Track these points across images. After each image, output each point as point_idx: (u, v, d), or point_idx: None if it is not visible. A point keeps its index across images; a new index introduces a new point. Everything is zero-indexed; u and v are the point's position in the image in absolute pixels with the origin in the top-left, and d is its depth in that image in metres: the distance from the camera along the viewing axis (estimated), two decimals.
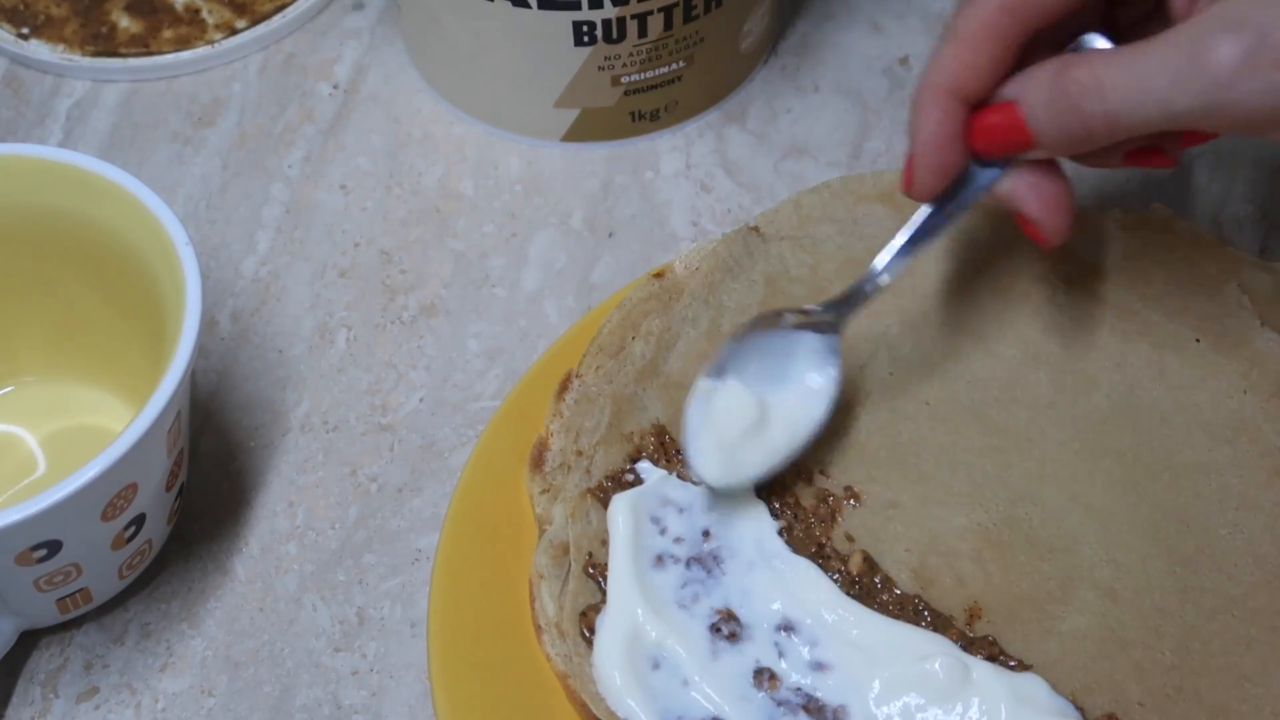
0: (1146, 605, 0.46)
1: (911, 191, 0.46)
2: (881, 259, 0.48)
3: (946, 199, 0.46)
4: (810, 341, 0.48)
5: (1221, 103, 0.40)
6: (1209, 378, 0.50)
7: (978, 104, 0.45)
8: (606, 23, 0.57)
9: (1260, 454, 0.49)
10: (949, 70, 0.44)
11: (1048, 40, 0.45)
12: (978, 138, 0.45)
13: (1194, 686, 0.45)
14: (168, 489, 0.48)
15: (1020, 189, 0.46)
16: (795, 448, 0.48)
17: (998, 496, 0.48)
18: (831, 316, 0.48)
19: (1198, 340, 0.51)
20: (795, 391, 0.48)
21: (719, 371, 0.48)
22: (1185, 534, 0.47)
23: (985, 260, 0.53)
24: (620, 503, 0.47)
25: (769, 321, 0.48)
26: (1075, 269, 0.53)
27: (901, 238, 0.47)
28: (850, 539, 0.48)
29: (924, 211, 0.47)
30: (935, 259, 0.53)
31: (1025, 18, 0.44)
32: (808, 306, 0.48)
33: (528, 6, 0.57)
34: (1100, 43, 0.45)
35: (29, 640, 0.50)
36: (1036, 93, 0.43)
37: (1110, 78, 0.41)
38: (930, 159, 0.45)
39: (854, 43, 0.66)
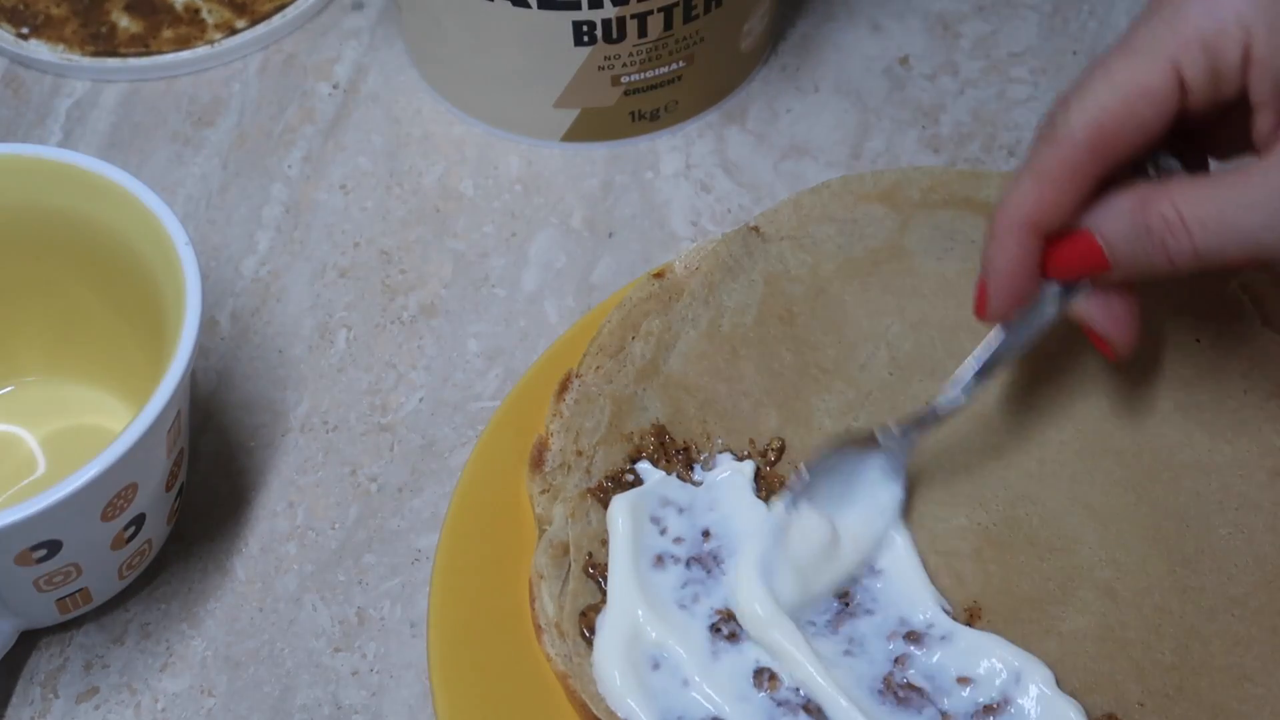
0: (1146, 605, 0.46)
1: (985, 317, 0.46)
2: (956, 384, 0.47)
3: (1018, 320, 0.46)
4: (878, 461, 0.48)
5: None
6: (1209, 378, 0.50)
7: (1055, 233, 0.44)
8: (606, 23, 0.57)
9: (1260, 454, 0.49)
10: (1029, 206, 0.44)
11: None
12: (1054, 266, 0.45)
13: (1194, 686, 0.45)
14: (168, 489, 0.48)
15: (1092, 309, 0.46)
16: (862, 564, 0.47)
17: (998, 496, 0.48)
18: (899, 440, 0.48)
19: (1198, 340, 0.51)
20: (863, 510, 0.48)
21: (794, 501, 0.47)
22: (1185, 534, 0.47)
23: None
24: (620, 503, 0.47)
25: (846, 448, 0.47)
26: None
27: (974, 364, 0.47)
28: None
29: (998, 334, 0.47)
30: (935, 258, 0.53)
31: (1112, 157, 0.43)
32: (879, 430, 0.48)
33: (528, 6, 0.57)
34: (1169, 163, 0.45)
35: (29, 640, 0.50)
36: (1117, 226, 0.43)
37: (1194, 214, 0.41)
38: (1005, 289, 0.45)
39: (854, 43, 0.66)
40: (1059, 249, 0.44)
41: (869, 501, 0.48)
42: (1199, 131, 0.45)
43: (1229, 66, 0.41)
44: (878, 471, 0.48)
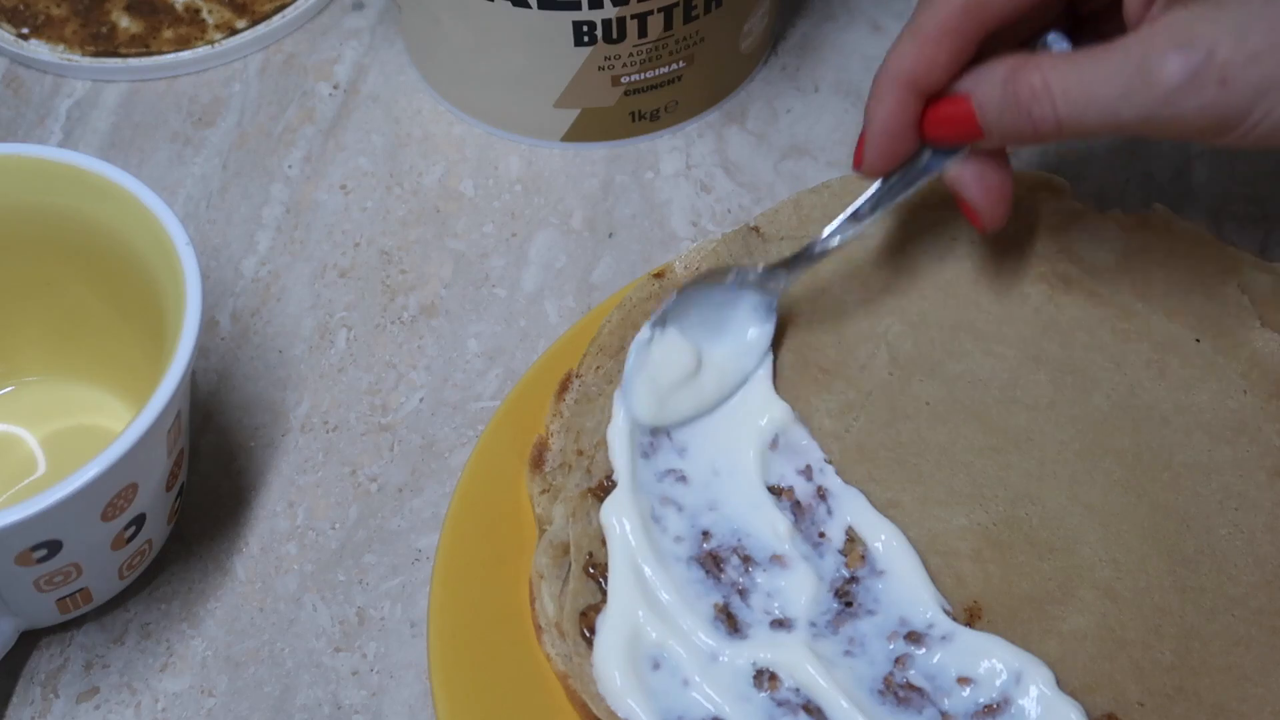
0: (1146, 605, 0.46)
1: (861, 170, 0.48)
2: (830, 226, 0.50)
3: (894, 177, 0.48)
4: (751, 299, 0.50)
5: (1165, 116, 0.42)
6: (1209, 378, 0.50)
7: (933, 95, 0.46)
8: (606, 23, 0.57)
9: (1260, 454, 0.49)
10: (907, 63, 0.46)
11: (1009, 35, 0.47)
12: (930, 126, 0.47)
13: (1194, 686, 0.45)
14: (168, 489, 0.48)
15: (965, 176, 0.48)
16: (724, 397, 0.50)
17: (998, 496, 0.48)
18: (774, 278, 0.50)
19: (1197, 340, 0.51)
20: (731, 345, 0.50)
21: (661, 320, 0.50)
22: (1185, 534, 0.47)
23: (986, 261, 0.53)
24: (611, 508, 0.47)
25: (715, 277, 0.50)
26: (1075, 269, 0.53)
27: (849, 209, 0.49)
28: (850, 538, 0.48)
29: (874, 186, 0.49)
30: (935, 258, 0.53)
31: (983, 19, 0.45)
32: (753, 267, 0.50)
33: (528, 6, 0.57)
34: (1060, 44, 0.46)
35: (29, 640, 0.50)
36: (989, 91, 0.45)
37: (1059, 84, 0.43)
38: (882, 144, 0.47)
39: (854, 43, 0.66)
40: (935, 112, 0.46)
41: (737, 337, 0.50)
42: (1091, 20, 0.47)
43: None
44: (752, 311, 0.50)
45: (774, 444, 0.49)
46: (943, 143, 0.47)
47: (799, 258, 0.50)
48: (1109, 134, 0.43)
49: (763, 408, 0.50)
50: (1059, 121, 0.44)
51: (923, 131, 0.47)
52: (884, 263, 0.53)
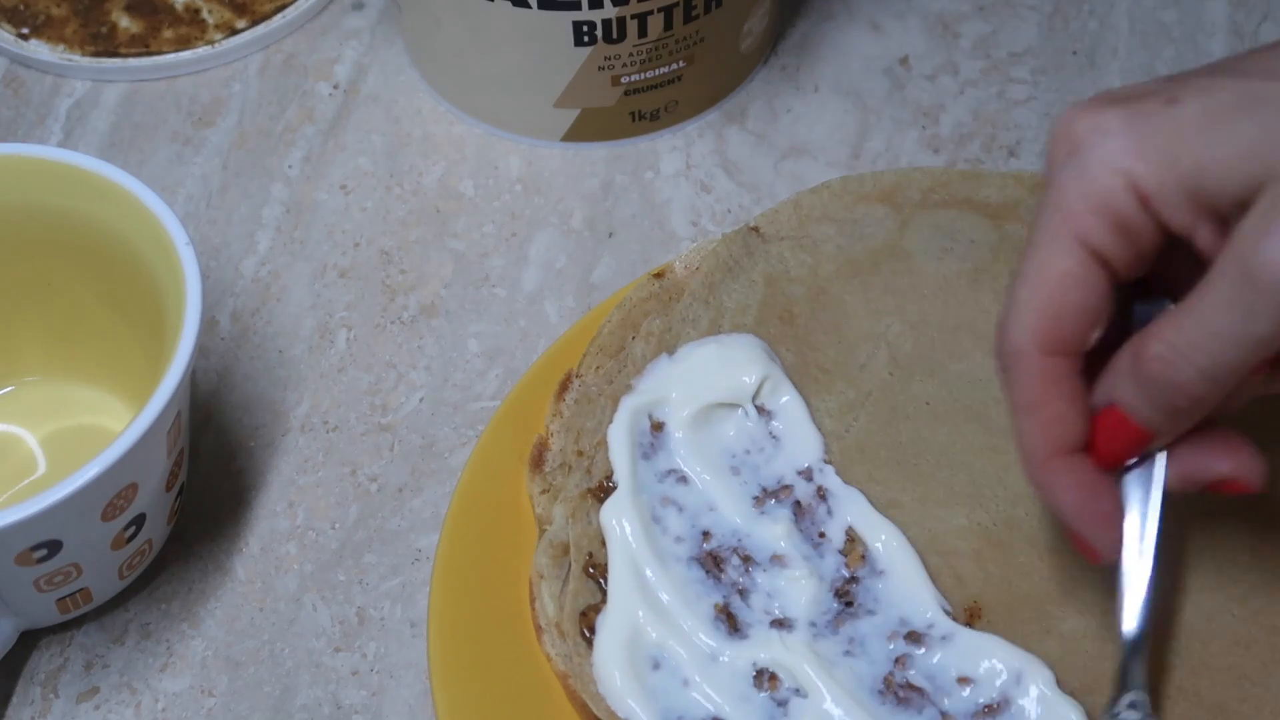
0: None
1: (1107, 559, 0.42)
2: (1129, 618, 0.44)
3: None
4: None
5: None
6: None
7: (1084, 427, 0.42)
8: (606, 23, 0.57)
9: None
10: (1048, 444, 0.41)
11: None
12: (1104, 457, 0.42)
13: (1194, 686, 0.45)
14: (168, 489, 0.48)
15: (1194, 468, 0.42)
16: None
17: (997, 496, 0.48)
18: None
19: None
20: None
21: None
22: (1183, 534, 0.47)
23: (985, 261, 0.53)
24: (611, 509, 0.47)
25: None
26: None
27: (1136, 595, 0.43)
28: (850, 538, 0.48)
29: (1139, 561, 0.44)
30: (935, 258, 0.53)
31: (1071, 352, 0.41)
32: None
33: (528, 6, 0.57)
34: (1166, 304, 0.42)
35: (29, 640, 0.50)
36: (1126, 389, 0.40)
37: (1181, 339, 0.39)
38: (1099, 523, 0.42)
39: (854, 43, 0.66)
40: (1097, 444, 0.42)
41: None
42: (1169, 273, 0.42)
43: (1132, 214, 0.39)
44: None
45: None
46: (1123, 461, 0.42)
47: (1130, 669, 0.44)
48: (1262, 356, 0.38)
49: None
50: (1202, 374, 0.39)
51: (1100, 464, 0.42)
52: (884, 263, 0.53)
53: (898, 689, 0.44)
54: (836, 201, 0.55)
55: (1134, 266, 0.41)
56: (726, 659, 0.45)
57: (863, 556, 0.47)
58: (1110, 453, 0.42)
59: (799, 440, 0.49)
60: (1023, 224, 0.54)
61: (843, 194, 0.55)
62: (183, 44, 0.65)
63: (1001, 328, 0.41)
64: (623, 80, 0.60)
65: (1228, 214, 0.38)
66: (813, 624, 0.46)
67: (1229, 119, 0.38)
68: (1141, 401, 0.40)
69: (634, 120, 0.62)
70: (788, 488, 0.48)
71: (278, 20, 0.66)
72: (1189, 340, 0.39)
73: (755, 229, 0.54)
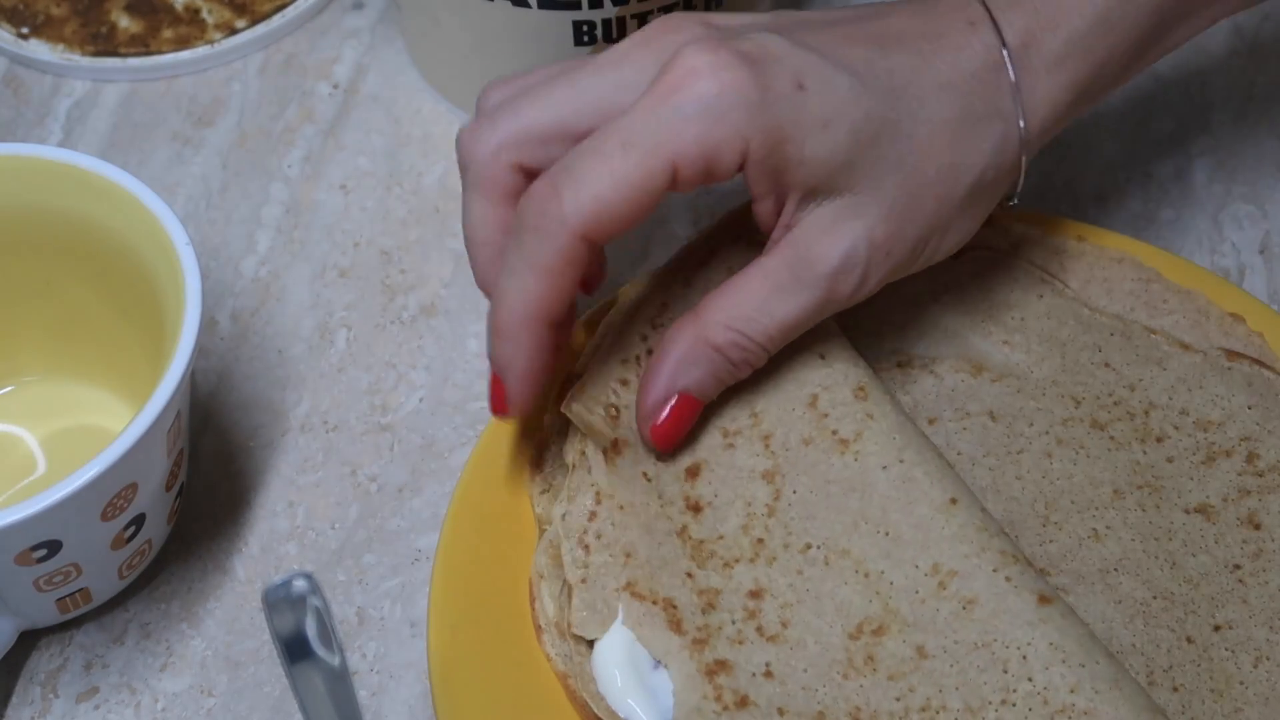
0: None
1: (510, 414, 0.47)
2: None
3: None
4: None
5: (840, 300, 0.46)
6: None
7: (559, 324, 0.45)
8: (606, 23, 0.57)
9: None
10: (536, 303, 0.44)
11: None
12: (664, 440, 0.47)
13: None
14: (168, 489, 0.48)
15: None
16: None
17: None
18: None
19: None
20: None
21: None
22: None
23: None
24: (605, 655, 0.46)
25: None
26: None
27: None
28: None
29: None
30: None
31: (603, 243, 0.44)
32: None
33: (528, 6, 0.57)
34: None
35: (29, 640, 0.50)
36: (695, 373, 0.46)
37: (749, 325, 0.45)
38: (527, 383, 0.46)
39: None
40: (663, 425, 0.46)
41: None
42: None
43: (724, 167, 0.43)
44: None
45: None
46: (679, 440, 0.47)
47: None
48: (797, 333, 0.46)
49: None
50: (766, 352, 0.46)
51: (657, 445, 0.47)
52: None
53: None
54: None
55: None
56: None
57: None
58: (674, 432, 0.47)
59: None
60: None
61: None
62: (182, 44, 0.65)
63: (555, 189, 0.43)
64: None
65: (790, 200, 0.45)
66: None
67: (843, 133, 0.44)
68: (710, 380, 0.46)
69: None
70: None
71: (277, 20, 0.66)
72: (758, 325, 0.45)
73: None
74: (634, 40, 0.46)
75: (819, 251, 0.45)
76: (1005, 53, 0.46)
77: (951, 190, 0.46)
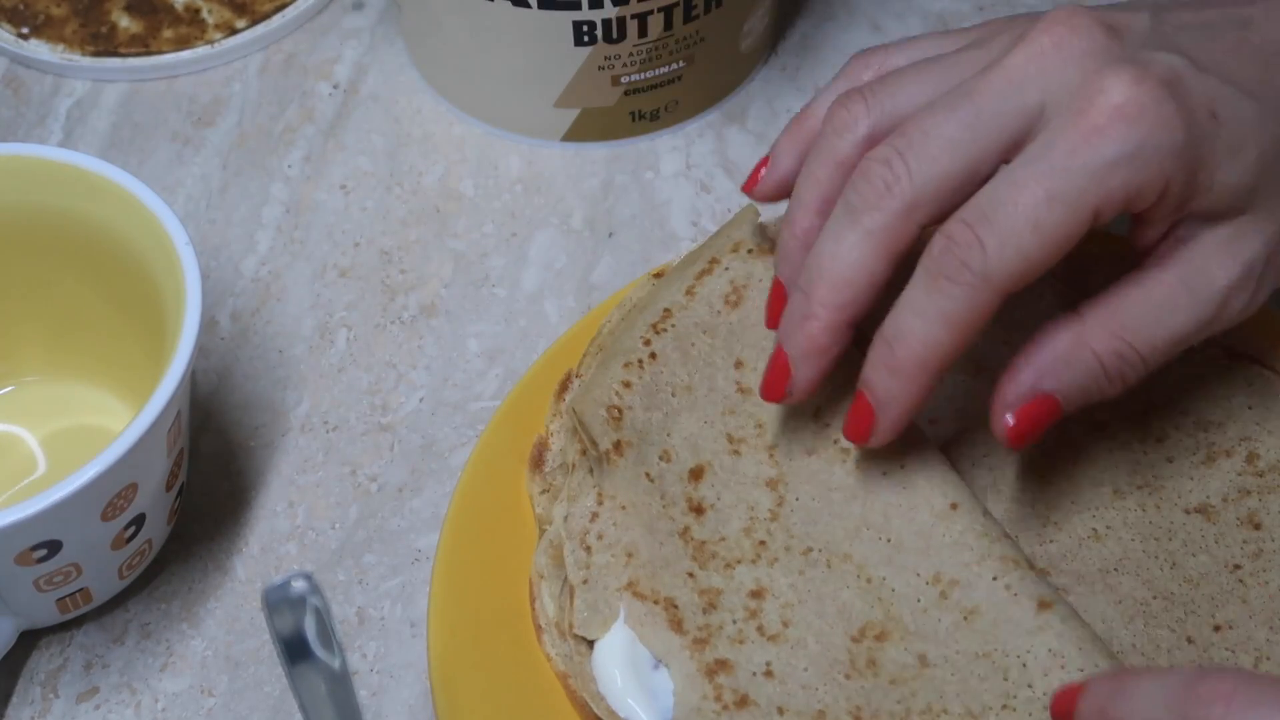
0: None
1: (872, 441, 0.44)
2: None
3: None
4: None
5: (1222, 318, 0.43)
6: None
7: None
8: (606, 23, 0.57)
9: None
10: (946, 352, 0.42)
11: None
12: (1018, 437, 0.43)
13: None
14: (168, 489, 0.48)
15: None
16: None
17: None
18: None
19: None
20: None
21: None
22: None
23: None
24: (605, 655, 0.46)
25: None
26: None
27: None
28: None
29: None
30: None
31: (1017, 290, 0.42)
32: None
33: (528, 6, 0.57)
34: None
35: (29, 640, 0.50)
36: (1067, 374, 0.43)
37: (1134, 335, 0.42)
38: (898, 422, 0.44)
39: (854, 43, 0.66)
40: (1018, 424, 0.43)
41: None
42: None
43: (1140, 206, 0.42)
44: None
45: None
46: (1031, 442, 0.44)
47: None
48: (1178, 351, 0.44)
49: None
50: (1145, 368, 0.43)
51: (1011, 442, 0.43)
52: None
53: None
54: None
55: None
56: None
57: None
58: (1028, 433, 0.43)
59: None
60: None
61: None
62: (183, 44, 0.65)
63: (978, 242, 0.41)
64: (623, 80, 0.60)
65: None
66: None
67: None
68: (1078, 388, 0.43)
69: (634, 120, 0.62)
70: None
71: (277, 20, 0.66)
72: (1142, 336, 0.42)
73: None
74: (1029, 49, 0.42)
75: (1217, 267, 0.43)
76: None
77: None
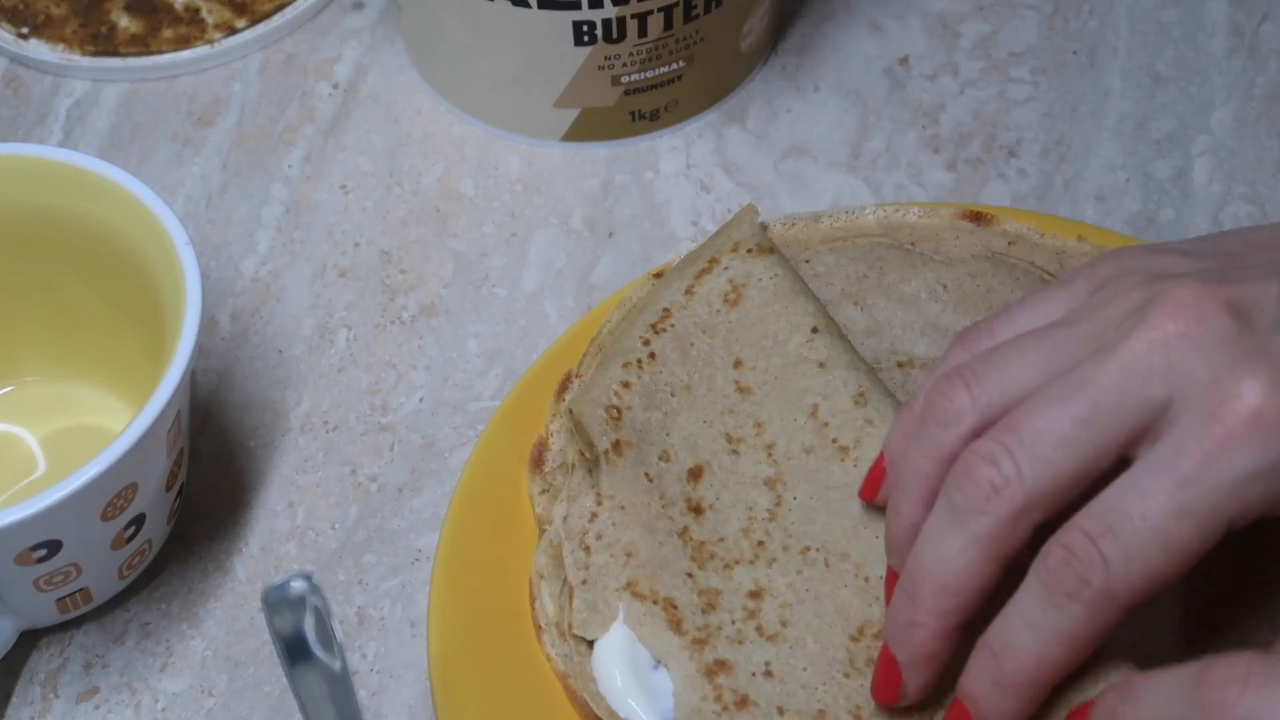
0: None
1: (898, 700, 0.42)
2: None
3: None
4: None
5: None
6: None
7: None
8: (606, 22, 0.57)
9: None
10: (1058, 670, 0.39)
11: None
12: None
13: None
14: (168, 489, 0.48)
15: None
16: None
17: None
18: None
19: None
20: None
21: None
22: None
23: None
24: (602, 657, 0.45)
25: None
26: None
27: None
28: None
29: None
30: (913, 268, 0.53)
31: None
32: None
33: (528, 6, 0.57)
34: None
35: (29, 640, 0.50)
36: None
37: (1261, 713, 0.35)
38: (924, 665, 0.41)
39: (854, 43, 0.66)
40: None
41: None
42: None
43: (1278, 513, 0.38)
44: None
45: None
46: None
47: None
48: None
49: None
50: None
51: None
52: (872, 277, 0.53)
53: None
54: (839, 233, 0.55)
55: None
56: None
57: None
58: None
59: None
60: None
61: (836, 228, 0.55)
62: (182, 44, 0.65)
63: (1103, 558, 0.38)
64: (623, 80, 0.60)
65: None
66: None
67: None
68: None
69: (634, 120, 0.62)
70: None
71: (277, 20, 0.66)
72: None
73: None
74: (1151, 337, 0.38)
75: None
76: None
77: None
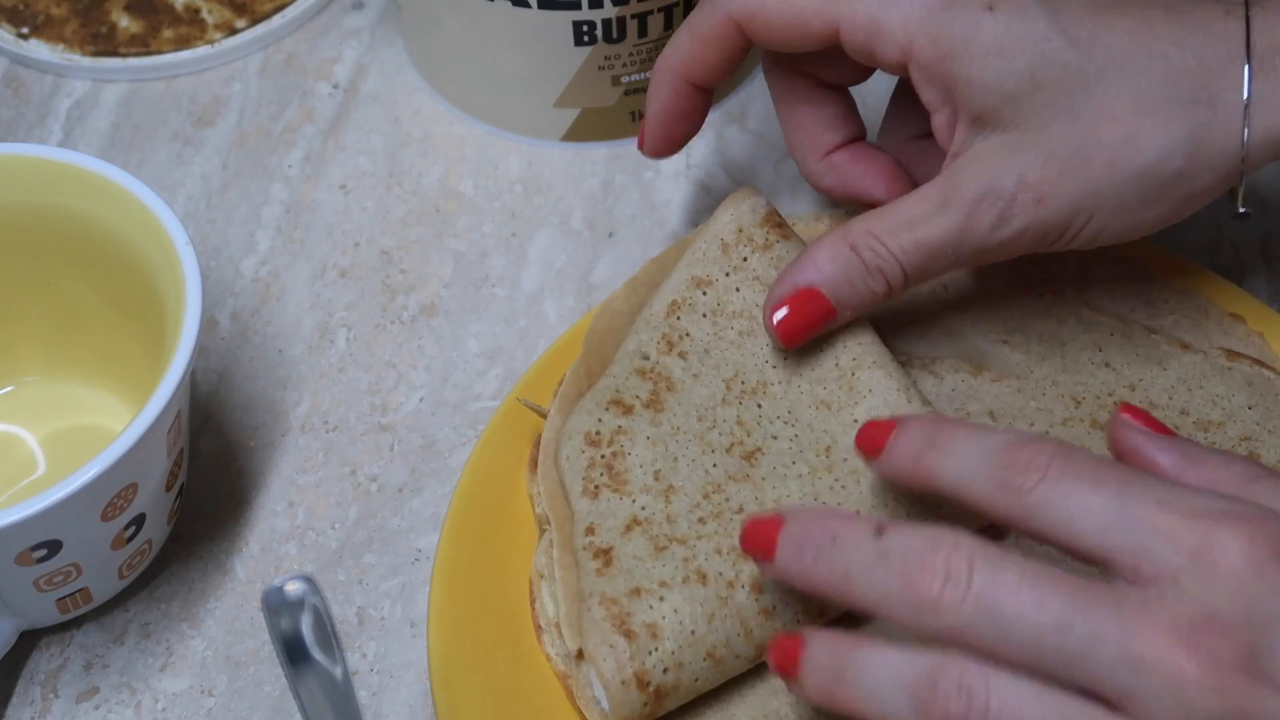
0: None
1: (644, 150, 0.52)
2: None
3: None
4: None
5: (995, 244, 0.45)
6: None
7: (705, 86, 0.50)
8: (606, 22, 0.57)
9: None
10: (682, 59, 0.49)
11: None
12: (790, 335, 0.47)
13: None
14: (168, 489, 0.48)
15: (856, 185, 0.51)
16: None
17: None
18: None
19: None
20: None
21: None
22: None
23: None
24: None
25: None
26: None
27: None
28: None
29: None
30: None
31: (755, 39, 0.48)
32: None
33: (528, 6, 0.57)
34: None
35: (29, 640, 0.50)
36: (835, 270, 0.46)
37: (896, 243, 0.46)
38: (661, 128, 0.51)
39: None
40: (787, 317, 0.47)
41: None
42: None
43: (885, 58, 0.46)
44: None
45: None
46: (803, 338, 0.47)
47: None
48: (951, 270, 0.47)
49: None
50: (907, 279, 0.46)
51: (785, 341, 0.47)
52: None
53: None
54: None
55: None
56: None
57: None
58: (802, 325, 0.47)
59: None
60: None
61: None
62: (182, 44, 0.65)
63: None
64: (623, 80, 0.60)
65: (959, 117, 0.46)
66: None
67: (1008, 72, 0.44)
68: (846, 288, 0.46)
69: (634, 120, 0.62)
70: None
71: (277, 20, 0.66)
72: (902, 246, 0.46)
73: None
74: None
75: (966, 177, 0.45)
76: (1247, 47, 0.43)
77: (1123, 163, 0.44)
